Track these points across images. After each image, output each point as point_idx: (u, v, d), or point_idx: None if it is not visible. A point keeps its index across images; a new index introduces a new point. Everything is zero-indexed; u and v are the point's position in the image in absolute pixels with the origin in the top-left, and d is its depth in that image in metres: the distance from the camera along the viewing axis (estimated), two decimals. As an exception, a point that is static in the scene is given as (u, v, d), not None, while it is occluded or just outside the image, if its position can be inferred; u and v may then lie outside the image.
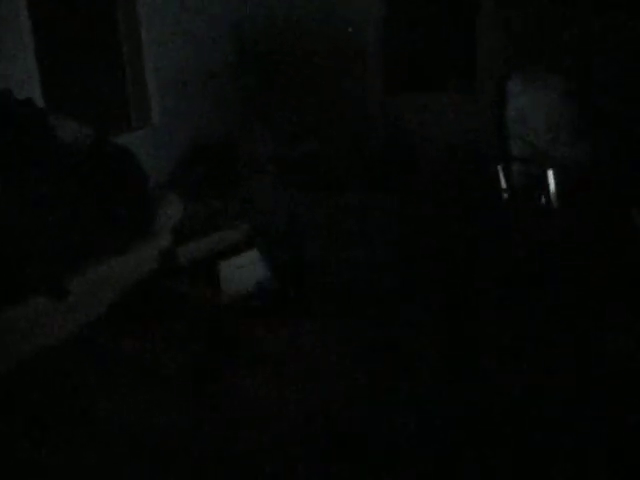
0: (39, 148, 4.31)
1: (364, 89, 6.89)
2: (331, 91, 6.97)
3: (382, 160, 5.99)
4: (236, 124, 6.63)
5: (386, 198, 5.53)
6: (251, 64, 7.00)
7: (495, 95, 4.06)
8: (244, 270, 3.96)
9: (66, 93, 5.58)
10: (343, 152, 6.21)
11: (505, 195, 3.91)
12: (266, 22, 7.04)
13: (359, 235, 4.80)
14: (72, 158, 4.40)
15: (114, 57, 5.94)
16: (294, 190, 5.85)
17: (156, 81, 5.98)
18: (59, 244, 3.93)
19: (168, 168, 6.05)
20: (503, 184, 3.92)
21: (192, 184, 5.83)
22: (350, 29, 6.67)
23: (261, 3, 7.01)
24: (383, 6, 6.88)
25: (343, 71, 6.92)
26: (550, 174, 3.63)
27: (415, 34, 6.93)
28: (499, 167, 3.94)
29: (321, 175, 5.89)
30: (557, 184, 3.63)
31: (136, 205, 4.31)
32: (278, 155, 6.26)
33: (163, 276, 4.18)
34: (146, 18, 5.83)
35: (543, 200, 3.65)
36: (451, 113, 6.46)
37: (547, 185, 3.62)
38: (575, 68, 4.20)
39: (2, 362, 3.34)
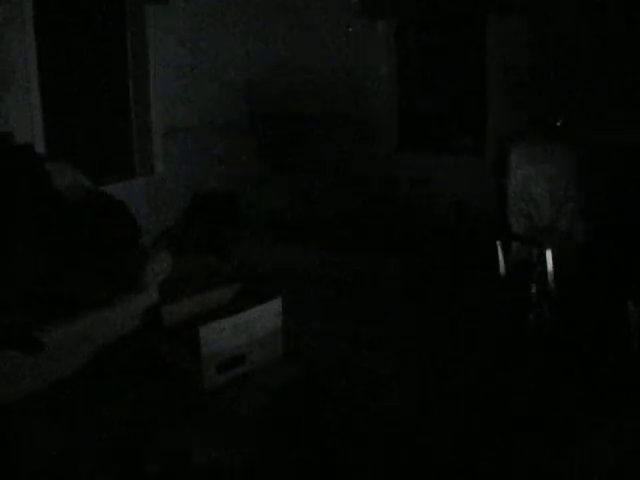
0: (31, 195, 4.25)
1: (374, 147, 6.83)
2: (340, 151, 6.93)
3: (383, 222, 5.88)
4: (241, 181, 6.58)
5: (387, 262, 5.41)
6: (262, 123, 6.99)
7: (496, 166, 3.93)
8: (225, 335, 3.81)
9: (71, 138, 5.58)
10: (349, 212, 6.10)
11: (502, 272, 3.76)
12: (277, 85, 7.09)
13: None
14: (63, 206, 4.34)
15: (121, 106, 5.93)
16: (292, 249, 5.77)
17: (162, 132, 5.94)
18: (38, 294, 3.83)
19: (168, 217, 5.98)
20: (501, 261, 3.77)
21: (189, 237, 5.74)
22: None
23: (273, 67, 7.05)
24: (395, 65, 6.84)
25: (353, 131, 6.88)
26: (549, 254, 3.47)
27: (428, 93, 6.89)
28: (498, 243, 3.79)
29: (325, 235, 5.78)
30: (556, 264, 3.48)
31: (124, 259, 4.22)
32: (280, 215, 6.18)
33: (146, 335, 4.06)
34: (157, 71, 5.83)
35: (537, 285, 3.49)
36: (459, 175, 6.35)
37: (545, 265, 3.46)
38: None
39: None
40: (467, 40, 6.56)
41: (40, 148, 4.77)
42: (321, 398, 3.43)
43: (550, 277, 3.47)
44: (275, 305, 4.11)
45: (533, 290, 3.48)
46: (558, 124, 4.07)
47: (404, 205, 6.32)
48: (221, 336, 3.81)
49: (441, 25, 6.63)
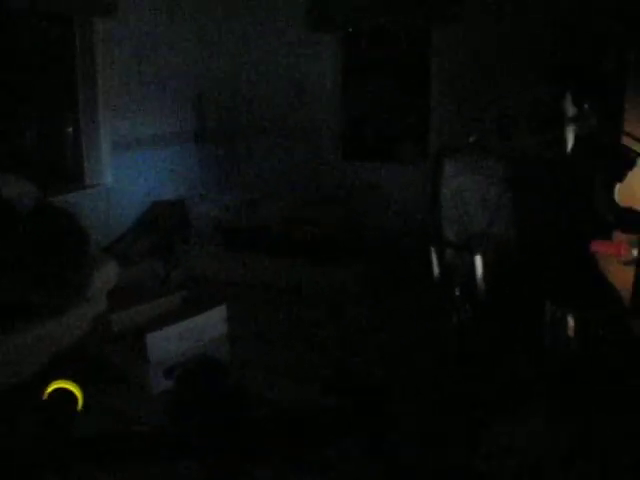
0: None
1: (319, 156, 7.01)
2: (286, 160, 7.09)
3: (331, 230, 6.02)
4: (190, 190, 6.69)
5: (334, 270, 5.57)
6: (211, 133, 7.12)
7: (430, 175, 4.11)
8: (171, 341, 3.93)
9: (19, 150, 5.62)
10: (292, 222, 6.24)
11: (435, 277, 3.93)
12: (226, 97, 7.26)
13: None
14: (11, 216, 4.39)
15: (70, 117, 5.99)
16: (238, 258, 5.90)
17: (111, 143, 6.01)
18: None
19: (118, 227, 6.05)
20: (435, 266, 3.94)
21: (139, 246, 5.82)
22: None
23: (222, 79, 7.19)
24: (340, 76, 7.04)
25: (299, 140, 7.04)
26: (478, 259, 3.65)
27: (371, 103, 7.09)
28: (432, 248, 3.97)
29: (269, 245, 5.91)
30: (487, 270, 3.66)
31: (72, 268, 4.28)
32: (227, 224, 6.28)
33: (95, 342, 4.15)
34: (106, 82, 5.89)
35: (460, 287, 3.68)
36: (402, 184, 6.55)
37: (474, 270, 3.64)
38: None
39: None
40: (411, 50, 6.76)
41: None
42: None
43: (480, 283, 3.64)
44: (220, 312, 4.25)
45: (457, 293, 3.65)
46: (471, 140, 4.26)
47: (352, 212, 6.47)
48: (168, 342, 3.93)
49: (386, 36, 6.82)
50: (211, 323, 4.19)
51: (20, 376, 3.75)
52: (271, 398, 3.49)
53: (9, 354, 3.69)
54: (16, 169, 4.83)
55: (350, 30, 6.89)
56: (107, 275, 4.37)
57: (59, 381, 2.57)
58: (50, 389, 2.56)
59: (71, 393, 2.59)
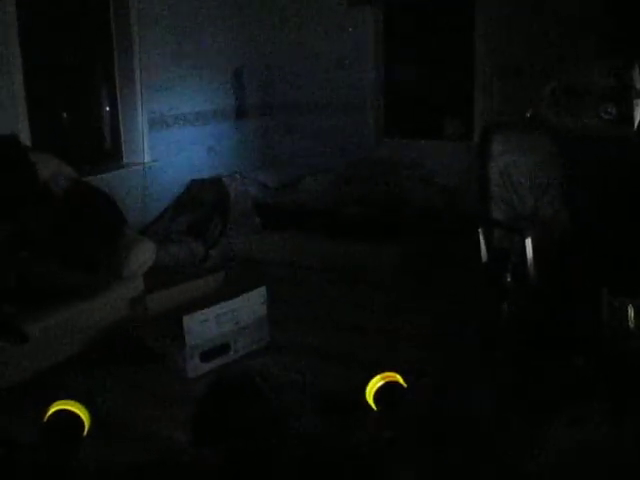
0: (16, 185, 4.25)
1: (362, 133, 6.83)
2: (327, 137, 6.94)
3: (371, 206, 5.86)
4: (230, 168, 6.57)
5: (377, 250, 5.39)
6: (251, 110, 6.99)
7: (478, 153, 3.92)
8: (209, 324, 3.82)
9: (56, 129, 5.57)
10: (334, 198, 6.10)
11: (484, 260, 3.76)
12: (266, 73, 7.17)
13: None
14: (48, 197, 4.35)
15: (108, 96, 5.91)
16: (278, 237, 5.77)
17: (149, 121, 5.91)
18: (22, 285, 3.84)
19: (156, 206, 5.98)
20: (483, 248, 3.77)
21: (176, 225, 5.74)
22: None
23: (262, 55, 7.08)
24: (383, 52, 6.85)
25: (340, 116, 6.88)
26: (528, 242, 3.47)
27: (416, 79, 6.90)
28: (480, 230, 3.79)
29: (309, 224, 5.76)
30: (536, 252, 3.48)
31: (108, 249, 4.22)
32: (267, 202, 6.16)
33: (131, 324, 4.08)
34: (143, 60, 5.80)
35: (512, 274, 3.48)
36: (448, 160, 6.35)
37: (524, 254, 3.47)
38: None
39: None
40: (456, 25, 6.54)
41: (25, 139, 4.74)
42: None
43: (530, 266, 3.47)
44: (260, 293, 4.12)
45: (508, 279, 3.47)
46: (528, 115, 4.05)
47: (394, 191, 6.31)
48: (205, 325, 3.82)
49: (429, 10, 6.61)
50: (250, 305, 4.06)
51: (56, 357, 3.70)
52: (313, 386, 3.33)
53: (46, 336, 3.63)
54: (53, 149, 4.76)
55: (393, 3, 6.67)
56: (144, 255, 4.29)
57: (63, 401, 2.13)
58: (52, 410, 2.07)
59: (76, 416, 2.06)
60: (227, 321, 3.93)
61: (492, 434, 2.79)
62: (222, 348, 3.93)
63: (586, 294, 3.29)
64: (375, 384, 2.13)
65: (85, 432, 2.00)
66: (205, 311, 3.84)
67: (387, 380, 2.14)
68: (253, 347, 4.08)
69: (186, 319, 3.74)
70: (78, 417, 1.97)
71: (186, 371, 3.79)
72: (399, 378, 2.12)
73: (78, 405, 1.97)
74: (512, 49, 5.91)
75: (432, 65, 6.78)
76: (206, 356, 3.85)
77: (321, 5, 6.87)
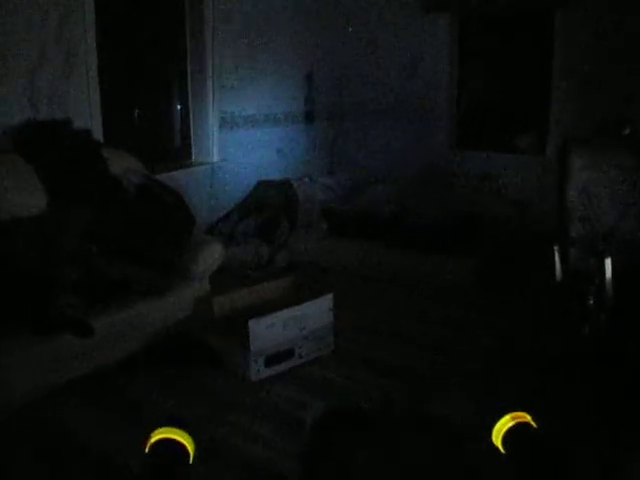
0: (88, 180, 4.28)
1: (433, 143, 6.74)
2: (397, 144, 6.86)
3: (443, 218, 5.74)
4: (298, 171, 6.55)
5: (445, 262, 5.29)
6: (321, 114, 6.97)
7: (557, 167, 3.81)
8: (274, 329, 3.79)
9: (128, 126, 5.61)
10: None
11: (558, 279, 3.65)
12: (336, 78, 7.13)
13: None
14: (119, 192, 4.37)
15: (180, 95, 5.96)
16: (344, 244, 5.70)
17: (219, 121, 5.93)
18: (92, 279, 3.86)
19: (224, 206, 5.99)
20: (557, 266, 3.66)
21: (243, 226, 5.73)
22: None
23: (333, 60, 7.05)
24: (457, 60, 6.74)
25: (412, 123, 6.79)
26: (608, 263, 3.35)
27: (490, 89, 6.78)
28: (555, 248, 3.69)
29: (378, 232, 5.68)
30: (615, 273, 3.36)
31: (177, 247, 4.22)
32: (335, 207, 6.10)
33: (196, 325, 4.07)
34: (215, 61, 5.82)
35: (594, 297, 3.36)
36: (520, 174, 6.22)
37: (604, 275, 3.35)
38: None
39: (25, 395, 3.25)
40: (532, 36, 6.40)
41: (98, 134, 4.78)
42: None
43: (608, 287, 3.35)
44: (327, 300, 4.08)
45: (591, 302, 3.35)
46: (626, 132, 3.91)
47: (464, 202, 6.21)
48: (271, 330, 3.80)
49: (505, 20, 6.48)
50: (317, 312, 4.02)
51: (120, 353, 3.72)
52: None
53: (111, 331, 3.64)
54: (124, 146, 4.79)
55: (468, 11, 6.56)
56: (211, 256, 4.28)
57: (165, 429, 1.80)
58: (154, 439, 1.85)
59: (181, 445, 1.85)
60: (293, 327, 3.90)
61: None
62: (286, 353, 3.90)
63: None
64: (505, 425, 2.02)
65: (190, 460, 1.88)
66: (272, 316, 3.81)
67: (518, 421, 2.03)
68: (317, 354, 4.03)
69: (252, 323, 3.71)
70: (182, 445, 1.85)
71: (249, 375, 3.77)
72: (529, 418, 2.00)
73: (180, 431, 1.85)
74: (593, 64, 5.72)
75: (507, 76, 6.63)
76: (270, 361, 3.82)
77: (395, 11, 6.79)
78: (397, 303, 4.97)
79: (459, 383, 3.64)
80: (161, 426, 1.83)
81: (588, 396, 3.25)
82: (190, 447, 1.83)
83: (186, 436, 1.84)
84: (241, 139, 6.22)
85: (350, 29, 6.97)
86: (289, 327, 3.89)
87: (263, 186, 6.09)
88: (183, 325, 4.05)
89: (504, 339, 4.17)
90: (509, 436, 1.93)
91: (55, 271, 3.62)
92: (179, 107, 5.99)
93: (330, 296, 4.07)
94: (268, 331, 3.78)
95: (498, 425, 1.96)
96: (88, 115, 4.81)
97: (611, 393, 3.20)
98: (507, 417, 1.95)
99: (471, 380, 3.65)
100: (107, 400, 3.52)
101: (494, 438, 1.96)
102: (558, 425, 2.96)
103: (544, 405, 3.14)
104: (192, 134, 6.02)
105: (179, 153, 6.02)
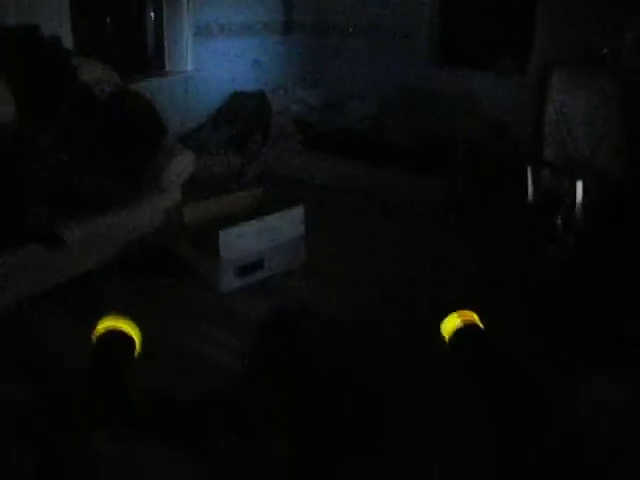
0: (57, 88, 4.18)
1: (413, 60, 6.62)
2: (377, 61, 6.74)
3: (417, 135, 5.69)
4: (274, 83, 6.43)
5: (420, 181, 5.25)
6: (300, 26, 6.84)
7: (535, 90, 3.77)
8: (245, 240, 3.79)
9: (99, 34, 5.46)
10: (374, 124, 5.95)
11: (530, 199, 3.66)
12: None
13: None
14: (90, 101, 4.27)
15: (153, 2, 5.77)
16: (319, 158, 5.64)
17: (194, 30, 5.79)
18: (61, 192, 3.81)
19: (197, 116, 5.90)
20: (530, 187, 3.67)
21: (217, 138, 5.66)
22: None
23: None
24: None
25: (392, 41, 6.65)
26: (579, 185, 3.36)
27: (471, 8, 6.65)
28: (528, 168, 3.68)
29: (352, 148, 5.62)
30: (587, 198, 3.36)
31: (148, 157, 4.17)
32: (309, 122, 6.03)
33: (166, 235, 4.06)
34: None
35: (563, 216, 3.38)
36: (501, 95, 6.14)
37: (574, 196, 3.36)
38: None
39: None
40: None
41: (68, 43, 4.64)
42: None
43: (578, 209, 3.37)
44: (298, 212, 4.07)
45: (559, 221, 3.38)
46: (604, 52, 3.85)
47: (441, 121, 6.13)
48: (241, 240, 3.79)
49: None
50: (288, 223, 4.01)
51: (91, 264, 3.70)
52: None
53: (82, 243, 3.61)
54: (97, 55, 4.66)
55: None
56: (183, 166, 4.22)
57: (113, 318, 1.80)
58: (100, 329, 1.82)
59: (127, 336, 1.83)
60: (263, 238, 3.90)
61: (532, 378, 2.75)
62: (256, 264, 3.91)
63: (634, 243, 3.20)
64: (453, 324, 2.05)
65: (137, 352, 1.87)
66: (242, 226, 3.80)
67: (465, 322, 2.06)
68: (288, 266, 4.05)
69: (222, 233, 3.70)
70: (131, 338, 1.83)
71: (219, 285, 3.78)
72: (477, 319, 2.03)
73: (129, 322, 1.83)
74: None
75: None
76: (240, 271, 3.83)
77: None
78: (374, 226, 4.88)
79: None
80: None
81: (562, 320, 3.29)
82: (136, 336, 1.82)
83: (133, 326, 1.82)
84: (217, 49, 6.08)
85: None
86: (259, 238, 3.88)
87: (238, 97, 5.99)
88: (155, 235, 4.02)
89: (484, 263, 4.15)
90: (455, 335, 1.99)
91: (26, 182, 3.57)
92: (152, 14, 5.83)
93: (301, 208, 4.06)
94: (238, 241, 3.78)
95: (446, 321, 2.01)
96: (57, 21, 4.64)
97: (582, 317, 3.24)
98: (454, 314, 2.00)
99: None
100: (80, 309, 3.50)
101: (442, 331, 2.01)
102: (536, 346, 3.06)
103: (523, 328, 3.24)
104: (166, 43, 5.87)
105: (152, 62, 5.89)
